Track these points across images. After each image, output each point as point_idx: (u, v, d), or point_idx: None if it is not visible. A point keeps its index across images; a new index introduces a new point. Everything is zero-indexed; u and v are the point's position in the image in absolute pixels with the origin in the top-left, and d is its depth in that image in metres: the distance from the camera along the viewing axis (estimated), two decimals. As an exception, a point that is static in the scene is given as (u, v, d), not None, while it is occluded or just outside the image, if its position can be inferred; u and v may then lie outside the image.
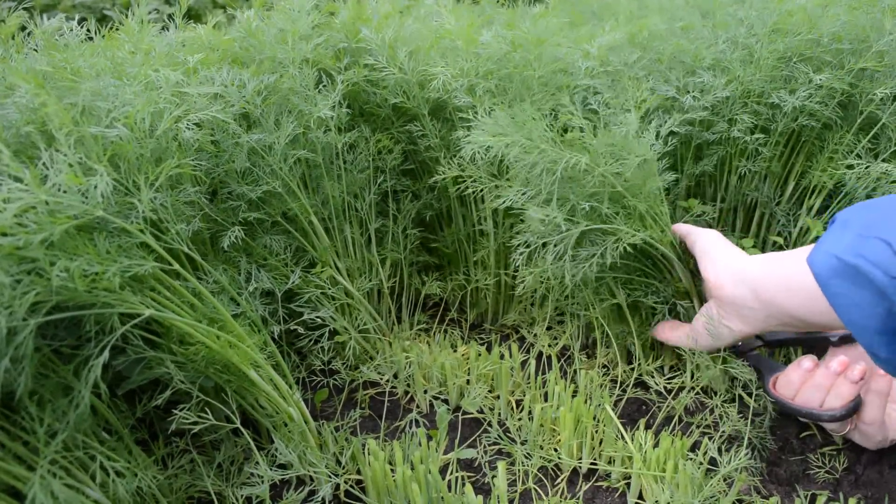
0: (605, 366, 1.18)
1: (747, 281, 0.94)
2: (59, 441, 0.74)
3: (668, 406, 1.09)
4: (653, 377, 1.15)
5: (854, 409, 0.91)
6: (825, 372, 0.93)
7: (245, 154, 1.02)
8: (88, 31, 1.07)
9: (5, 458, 0.71)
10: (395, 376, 1.18)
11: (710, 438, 1.03)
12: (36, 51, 1.01)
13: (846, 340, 0.97)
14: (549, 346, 1.18)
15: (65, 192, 0.71)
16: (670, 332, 1.10)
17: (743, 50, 1.21)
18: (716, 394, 1.13)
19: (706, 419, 1.07)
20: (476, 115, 1.10)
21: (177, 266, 0.84)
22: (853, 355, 0.96)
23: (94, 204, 0.73)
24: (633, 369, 1.17)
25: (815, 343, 1.00)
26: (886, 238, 0.70)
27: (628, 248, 1.00)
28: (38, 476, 0.71)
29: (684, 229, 1.06)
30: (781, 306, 0.89)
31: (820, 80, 1.14)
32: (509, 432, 1.07)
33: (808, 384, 0.94)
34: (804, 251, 0.85)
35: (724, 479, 0.95)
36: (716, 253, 0.99)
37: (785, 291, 0.88)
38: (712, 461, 0.99)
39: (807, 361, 0.96)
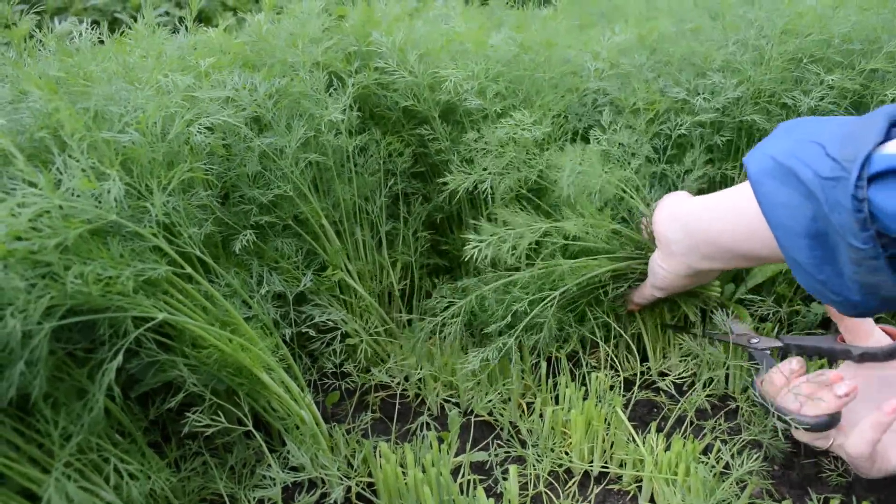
0: (615, 367, 1.18)
1: (677, 215, 0.97)
2: (74, 444, 0.74)
3: (679, 408, 1.08)
4: (664, 379, 1.15)
5: (829, 424, 0.88)
6: (814, 378, 0.92)
7: (256, 158, 1.02)
8: (100, 34, 1.08)
9: (20, 460, 0.72)
10: (407, 379, 1.18)
11: (722, 442, 1.02)
12: (48, 55, 1.01)
13: (868, 357, 0.93)
14: (560, 347, 1.17)
15: (78, 196, 0.72)
16: (637, 295, 1.13)
17: (753, 51, 1.21)
18: (728, 396, 1.13)
19: (719, 422, 1.07)
20: (487, 117, 1.11)
21: (189, 269, 0.84)
22: (869, 376, 0.94)
23: (107, 208, 0.73)
24: (643, 370, 1.17)
25: (836, 356, 0.98)
26: (821, 142, 0.71)
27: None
28: (52, 478, 0.71)
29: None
30: (706, 232, 0.91)
31: (831, 80, 1.14)
32: (520, 435, 1.07)
33: (790, 386, 0.93)
34: (731, 188, 0.89)
35: (737, 483, 0.95)
36: (665, 200, 1.03)
37: (710, 217, 0.90)
38: (724, 464, 0.99)
39: (794, 363, 0.95)
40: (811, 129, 0.76)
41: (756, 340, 1.05)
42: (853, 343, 0.95)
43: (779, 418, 0.92)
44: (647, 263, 1.08)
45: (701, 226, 0.92)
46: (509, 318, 1.08)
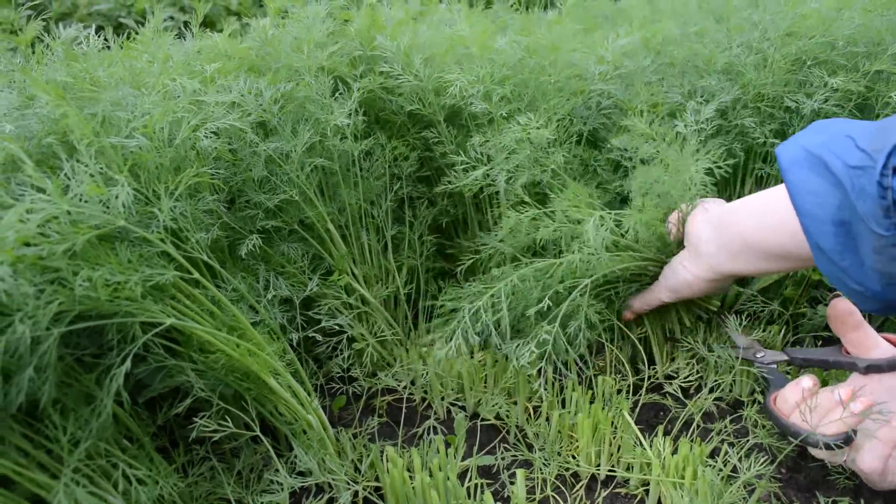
0: (621, 371, 1.18)
1: (711, 215, 1.00)
2: (83, 449, 0.74)
3: (686, 412, 1.08)
4: (670, 382, 1.15)
5: (846, 441, 0.86)
6: (827, 396, 0.90)
7: (262, 162, 1.02)
8: (106, 39, 1.08)
9: (30, 466, 0.72)
10: (413, 383, 1.18)
11: (729, 445, 1.02)
12: (55, 60, 1.01)
13: (874, 369, 0.93)
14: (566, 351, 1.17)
15: (86, 202, 0.72)
16: (639, 300, 1.14)
17: (757, 54, 1.21)
18: (734, 399, 1.13)
19: (726, 426, 1.06)
20: (493, 121, 1.11)
21: (197, 275, 0.84)
22: (876, 388, 0.92)
23: (115, 214, 0.73)
24: (650, 374, 1.17)
25: (842, 368, 0.97)
26: (852, 135, 0.75)
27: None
28: (62, 484, 0.71)
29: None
30: (737, 229, 0.94)
31: (835, 83, 1.14)
32: (527, 439, 1.07)
33: (804, 405, 0.91)
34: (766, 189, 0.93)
35: (745, 486, 0.94)
36: (702, 203, 1.05)
37: (741, 213, 0.94)
38: (732, 468, 0.99)
39: (807, 381, 0.93)
40: (843, 126, 0.79)
41: (762, 354, 1.06)
42: (858, 355, 0.95)
43: (794, 436, 0.90)
44: (660, 267, 1.09)
45: (733, 224, 0.95)
46: (548, 303, 1.02)
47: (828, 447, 0.87)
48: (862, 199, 0.72)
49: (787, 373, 1.12)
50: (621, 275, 1.10)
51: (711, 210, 1.01)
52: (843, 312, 0.94)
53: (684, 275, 1.03)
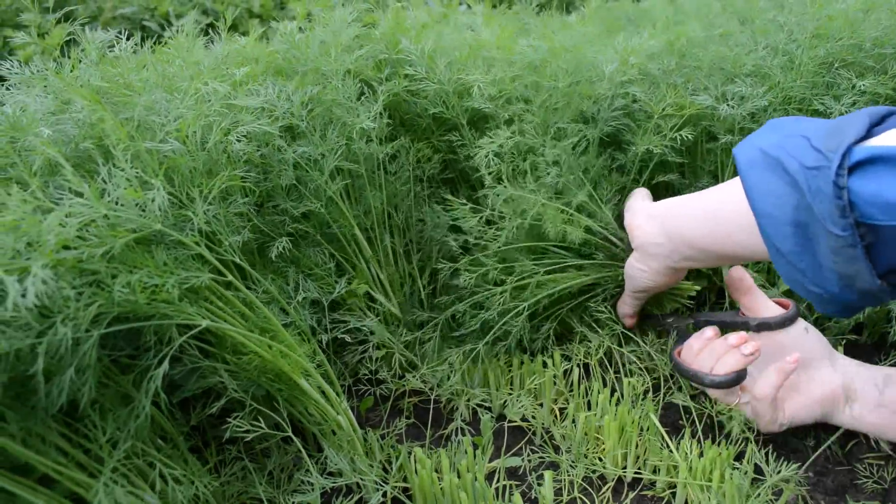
0: (643, 371, 1.18)
1: (656, 216, 1.04)
2: (122, 450, 0.75)
3: (712, 413, 1.08)
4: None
5: (736, 380, 0.96)
6: (722, 342, 1.00)
7: (291, 169, 1.03)
8: (136, 43, 1.09)
9: (69, 465, 0.73)
10: (439, 385, 1.18)
11: (757, 447, 1.02)
12: (88, 64, 1.02)
13: (764, 327, 1.03)
14: (592, 353, 1.17)
15: (123, 206, 0.73)
16: (620, 305, 1.20)
17: (783, 56, 1.21)
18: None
19: (752, 427, 1.06)
20: (507, 124, 1.13)
21: (230, 277, 0.85)
22: (766, 343, 1.02)
23: (151, 217, 0.74)
24: (673, 374, 1.17)
25: (738, 328, 1.05)
26: (807, 135, 0.76)
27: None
28: (101, 483, 0.73)
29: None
30: (684, 236, 0.98)
31: (863, 85, 1.14)
32: (554, 441, 1.08)
33: (704, 350, 1.02)
34: (707, 190, 0.97)
35: (772, 489, 0.94)
36: (633, 202, 1.11)
37: (688, 220, 0.97)
38: (758, 470, 0.99)
39: (708, 331, 1.03)
40: (798, 125, 0.81)
41: (671, 319, 1.17)
42: (752, 316, 1.05)
43: (693, 379, 1.01)
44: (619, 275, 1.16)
45: (681, 230, 0.99)
46: (478, 326, 1.16)
47: (720, 385, 0.97)
48: (818, 200, 0.72)
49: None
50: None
51: (653, 209, 1.05)
52: (737, 279, 1.04)
53: (642, 276, 1.08)
